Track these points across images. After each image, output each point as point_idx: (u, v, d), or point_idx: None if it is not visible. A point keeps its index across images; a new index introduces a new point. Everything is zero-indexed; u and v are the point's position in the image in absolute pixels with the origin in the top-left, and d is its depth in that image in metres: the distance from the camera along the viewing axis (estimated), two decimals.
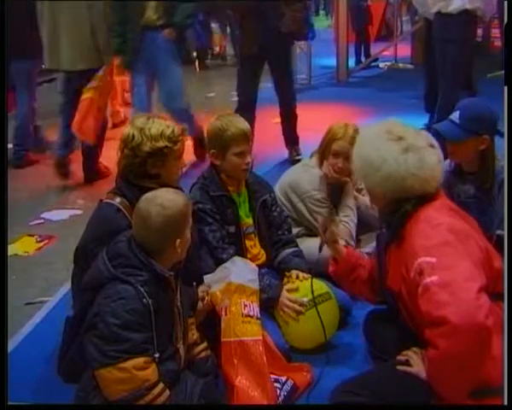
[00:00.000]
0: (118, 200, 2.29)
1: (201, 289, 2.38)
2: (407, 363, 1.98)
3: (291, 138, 5.24)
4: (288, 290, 2.55)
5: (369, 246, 3.10)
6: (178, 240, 1.98)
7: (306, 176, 3.06)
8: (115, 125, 6.17)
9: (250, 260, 2.61)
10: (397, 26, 11.25)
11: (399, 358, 2.03)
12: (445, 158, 2.43)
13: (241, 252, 2.65)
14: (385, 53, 10.64)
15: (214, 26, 11.13)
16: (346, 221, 2.98)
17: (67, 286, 2.84)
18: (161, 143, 2.27)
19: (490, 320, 1.72)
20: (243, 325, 2.27)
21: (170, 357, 2.00)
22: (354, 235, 3.00)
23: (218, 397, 2.10)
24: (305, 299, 2.50)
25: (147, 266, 1.94)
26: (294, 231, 2.95)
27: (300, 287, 2.56)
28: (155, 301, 1.91)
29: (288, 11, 4.52)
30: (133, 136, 2.27)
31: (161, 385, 1.92)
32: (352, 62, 10.01)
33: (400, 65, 10.33)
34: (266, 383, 2.17)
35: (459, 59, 4.79)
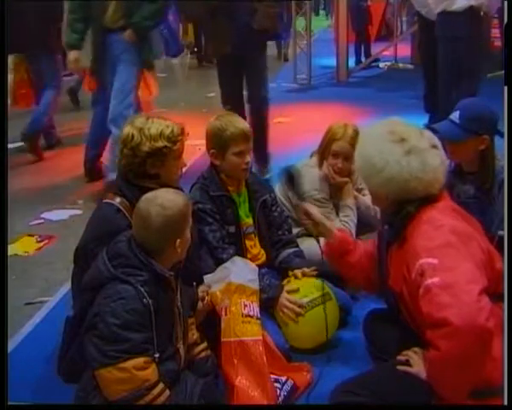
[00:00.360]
0: (118, 200, 2.29)
1: (201, 289, 2.38)
2: (407, 363, 1.98)
3: (262, 154, 4.61)
4: (289, 291, 2.55)
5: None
6: (178, 240, 1.98)
7: (306, 176, 3.06)
8: None
9: (250, 260, 2.61)
10: (397, 26, 11.26)
11: (399, 358, 2.02)
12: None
13: (241, 252, 2.65)
14: (385, 53, 10.65)
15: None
16: (346, 221, 2.99)
17: (67, 286, 2.84)
18: (160, 143, 2.27)
19: (491, 322, 1.72)
20: (243, 325, 2.27)
21: (170, 357, 2.00)
22: (354, 235, 2.99)
23: (218, 397, 2.10)
24: (305, 300, 2.50)
25: (147, 266, 1.94)
26: (294, 231, 2.95)
27: (301, 288, 2.56)
28: (155, 301, 1.91)
29: (260, 7, 4.19)
30: (132, 136, 2.27)
31: (161, 385, 1.92)
32: (352, 62, 10.01)
33: (400, 65, 10.35)
34: (266, 383, 2.17)
35: (466, 57, 4.79)
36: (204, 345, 2.26)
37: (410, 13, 10.80)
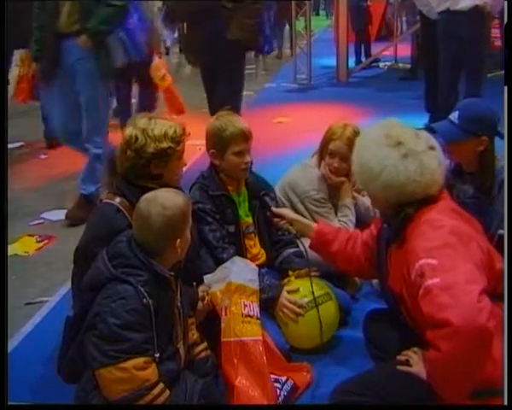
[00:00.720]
0: (118, 200, 2.29)
1: (201, 289, 2.38)
2: (407, 363, 1.98)
3: None
4: (289, 291, 2.55)
5: None
6: (178, 240, 1.98)
7: (306, 176, 3.07)
8: None
9: (250, 259, 2.61)
10: (397, 26, 11.25)
11: (399, 358, 2.03)
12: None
13: (241, 252, 2.65)
14: (385, 53, 10.65)
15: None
16: (345, 221, 2.99)
17: (67, 286, 2.84)
18: (165, 144, 2.27)
19: (491, 323, 1.72)
20: (243, 324, 2.27)
21: (170, 357, 2.00)
22: None
23: (217, 397, 2.10)
24: (305, 300, 2.50)
25: (147, 266, 1.94)
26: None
27: (301, 288, 2.56)
28: (155, 301, 1.91)
29: (236, 17, 3.96)
30: (136, 137, 2.26)
31: (161, 385, 1.92)
32: (352, 62, 10.01)
33: (400, 65, 10.34)
34: (266, 383, 2.17)
35: (469, 57, 4.80)
36: (204, 345, 2.26)
37: (410, 13, 10.79)
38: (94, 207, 3.60)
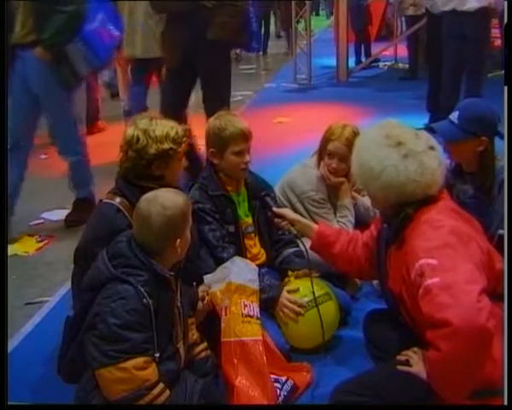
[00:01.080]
0: (118, 200, 2.29)
1: (201, 289, 2.38)
2: (407, 363, 1.98)
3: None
4: (289, 291, 2.55)
5: None
6: (178, 240, 1.98)
7: (305, 176, 3.07)
8: None
9: (250, 259, 2.61)
10: (397, 26, 11.24)
11: (399, 358, 2.03)
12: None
13: (241, 251, 2.65)
14: (385, 53, 10.65)
15: None
16: (344, 222, 2.99)
17: (67, 286, 2.84)
18: (166, 146, 2.27)
19: (491, 323, 1.72)
20: (243, 325, 2.27)
21: (170, 357, 2.00)
22: None
23: (217, 397, 2.10)
24: (305, 300, 2.50)
25: (147, 266, 1.94)
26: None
27: (301, 288, 2.56)
28: (155, 301, 1.92)
29: (217, 16, 3.80)
30: (138, 138, 2.26)
31: (161, 385, 1.92)
32: (351, 62, 10.01)
33: (400, 65, 10.33)
34: (266, 383, 2.17)
35: (472, 57, 4.81)
36: (204, 345, 2.26)
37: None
38: (92, 206, 3.63)
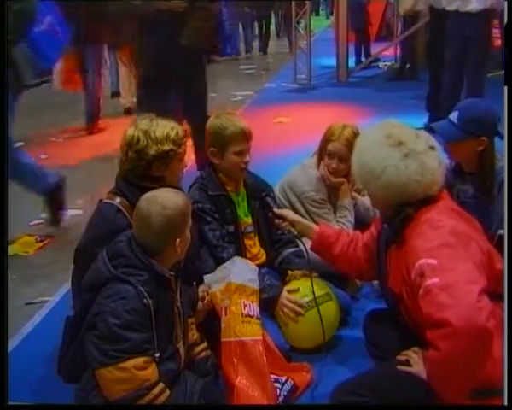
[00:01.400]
0: (118, 200, 2.29)
1: (201, 289, 2.38)
2: (407, 363, 1.98)
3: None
4: (289, 291, 2.55)
5: None
6: (178, 240, 1.98)
7: (305, 176, 3.07)
8: None
9: (250, 259, 2.61)
10: (397, 26, 11.23)
11: (399, 358, 2.03)
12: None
13: (241, 251, 2.65)
14: (385, 53, 10.64)
15: None
16: (343, 222, 2.99)
17: (67, 286, 2.84)
18: (167, 147, 2.26)
19: (491, 323, 1.72)
20: (243, 324, 2.27)
21: (170, 357, 2.00)
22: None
23: (217, 397, 2.10)
24: (305, 300, 2.50)
25: (147, 265, 1.94)
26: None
27: (301, 288, 2.56)
28: (155, 301, 1.92)
29: (189, 21, 3.67)
30: (138, 139, 2.26)
31: (161, 385, 1.92)
32: (351, 62, 10.01)
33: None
34: (266, 383, 2.17)
35: (475, 57, 4.83)
36: (204, 345, 2.26)
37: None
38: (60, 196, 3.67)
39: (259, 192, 2.78)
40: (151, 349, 1.91)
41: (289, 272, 2.67)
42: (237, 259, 2.50)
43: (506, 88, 1.60)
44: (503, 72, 1.65)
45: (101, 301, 1.91)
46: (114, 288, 1.91)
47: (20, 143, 5.76)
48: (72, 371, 2.07)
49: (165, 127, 2.29)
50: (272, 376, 2.23)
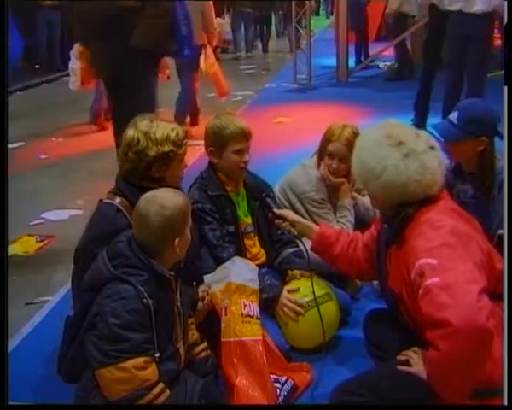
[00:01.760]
0: (118, 200, 2.29)
1: (201, 289, 2.38)
2: (407, 363, 1.98)
3: None
4: (289, 291, 2.55)
5: None
6: (177, 239, 1.97)
7: (305, 176, 3.06)
8: None
9: (250, 259, 2.61)
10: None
11: (399, 358, 2.03)
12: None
13: (241, 251, 2.65)
14: (385, 53, 10.65)
15: None
16: (343, 222, 2.99)
17: (67, 286, 2.84)
18: (167, 148, 2.26)
19: (491, 322, 1.72)
20: (243, 324, 2.27)
21: (170, 357, 2.00)
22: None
23: (217, 397, 2.10)
24: (306, 300, 2.50)
25: (147, 265, 1.94)
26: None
27: (301, 288, 2.56)
28: (155, 301, 1.92)
29: (140, 19, 3.33)
30: (138, 140, 2.26)
31: (161, 385, 1.92)
32: (351, 62, 10.01)
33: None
34: (266, 383, 2.17)
35: (476, 57, 4.84)
36: (204, 345, 2.26)
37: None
38: None
39: (259, 192, 2.78)
40: (151, 349, 1.91)
41: (290, 272, 2.67)
42: (237, 259, 2.50)
43: (506, 88, 1.60)
44: (503, 72, 1.65)
45: (101, 301, 1.91)
46: (114, 288, 1.91)
47: (21, 143, 5.79)
48: (72, 371, 2.07)
49: (165, 128, 2.29)
50: (272, 376, 2.23)
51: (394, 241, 2.10)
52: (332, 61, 9.69)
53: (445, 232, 1.94)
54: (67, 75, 6.87)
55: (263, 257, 2.78)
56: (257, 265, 2.57)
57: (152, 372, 1.90)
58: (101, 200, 2.39)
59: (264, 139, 5.29)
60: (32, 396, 2.32)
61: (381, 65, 10.66)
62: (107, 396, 1.90)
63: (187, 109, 6.51)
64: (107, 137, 4.98)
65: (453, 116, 2.60)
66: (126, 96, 3.44)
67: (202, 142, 2.78)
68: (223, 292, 2.35)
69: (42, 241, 3.87)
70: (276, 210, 2.63)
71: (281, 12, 16.22)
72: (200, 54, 6.06)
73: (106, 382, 1.88)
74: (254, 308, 2.34)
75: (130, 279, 1.91)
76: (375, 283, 2.76)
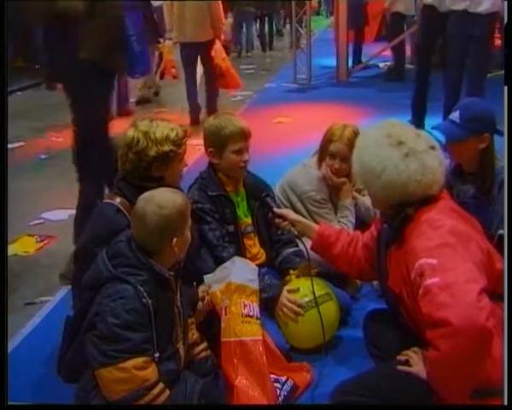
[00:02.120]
0: (118, 200, 2.29)
1: (201, 289, 2.38)
2: (407, 363, 1.98)
3: None
4: (289, 291, 2.55)
5: None
6: (175, 239, 1.97)
7: (306, 176, 3.07)
8: None
9: (250, 259, 2.61)
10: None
11: (399, 358, 2.03)
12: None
13: (241, 251, 2.65)
14: (385, 53, 10.64)
15: None
16: (344, 222, 2.99)
17: (67, 286, 2.84)
18: (166, 148, 2.27)
19: (490, 322, 1.72)
20: (243, 324, 2.27)
21: (170, 357, 2.00)
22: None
23: (217, 397, 2.10)
24: (305, 300, 2.50)
25: (146, 265, 1.94)
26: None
27: (301, 288, 2.56)
28: (155, 301, 1.91)
29: (89, 30, 3.01)
30: (138, 140, 2.26)
31: (161, 385, 1.92)
32: (351, 62, 10.00)
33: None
34: (266, 383, 2.17)
35: (478, 57, 4.84)
36: (204, 345, 2.27)
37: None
38: None
39: (259, 192, 2.78)
40: (151, 349, 1.91)
41: (290, 271, 2.67)
42: (237, 259, 2.50)
43: (506, 88, 1.60)
44: (503, 72, 1.65)
45: (101, 301, 1.91)
46: (114, 287, 1.91)
47: (21, 143, 5.78)
48: (72, 371, 2.07)
49: (164, 128, 2.29)
50: (272, 376, 2.23)
51: (394, 241, 2.10)
52: (332, 61, 9.69)
53: (445, 232, 1.94)
54: None
55: (263, 257, 2.78)
56: (257, 265, 2.57)
57: (152, 372, 1.90)
58: (101, 200, 2.39)
59: (264, 139, 5.29)
60: (32, 396, 2.32)
61: (381, 65, 10.65)
62: (107, 396, 1.90)
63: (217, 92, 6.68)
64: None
65: (455, 116, 2.60)
66: (77, 109, 3.22)
67: (201, 141, 2.78)
68: (223, 292, 2.35)
69: (42, 241, 3.87)
70: (276, 209, 2.63)
71: (282, 11, 16.23)
72: (210, 48, 6.25)
73: (105, 382, 1.88)
74: (254, 308, 2.34)
75: (129, 279, 1.91)
76: (375, 283, 2.77)
